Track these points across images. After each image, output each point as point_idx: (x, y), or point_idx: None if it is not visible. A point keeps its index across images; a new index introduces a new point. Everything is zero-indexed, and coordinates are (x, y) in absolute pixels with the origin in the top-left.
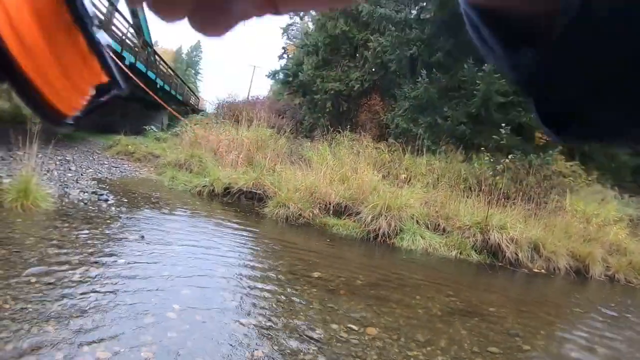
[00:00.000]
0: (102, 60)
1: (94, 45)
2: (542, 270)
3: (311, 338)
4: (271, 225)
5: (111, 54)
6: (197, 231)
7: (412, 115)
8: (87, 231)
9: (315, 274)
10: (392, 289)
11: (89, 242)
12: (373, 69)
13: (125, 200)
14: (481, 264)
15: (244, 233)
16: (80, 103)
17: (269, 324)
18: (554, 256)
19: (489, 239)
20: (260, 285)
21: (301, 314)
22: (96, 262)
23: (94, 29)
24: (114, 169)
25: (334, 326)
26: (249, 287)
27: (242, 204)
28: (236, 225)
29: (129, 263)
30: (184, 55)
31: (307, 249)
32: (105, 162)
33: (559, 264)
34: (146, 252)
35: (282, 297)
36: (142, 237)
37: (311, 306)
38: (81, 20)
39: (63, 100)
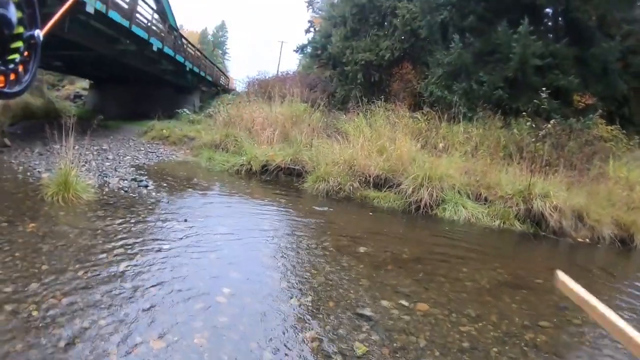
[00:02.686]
0: None
1: None
2: (587, 240)
3: (362, 316)
4: (312, 201)
5: None
6: (239, 211)
7: (446, 82)
8: (130, 219)
9: (361, 249)
10: (439, 263)
11: (132, 229)
12: (403, 37)
13: (165, 185)
14: (525, 234)
15: (286, 210)
16: None
17: (319, 303)
18: (597, 225)
19: (532, 207)
20: (307, 263)
21: (351, 291)
22: (142, 250)
23: None
24: (151, 154)
25: (385, 303)
26: (296, 265)
27: (281, 180)
28: (277, 203)
29: (174, 248)
30: (210, 37)
31: (350, 223)
32: (142, 148)
33: (603, 233)
34: (190, 235)
35: (331, 274)
36: (185, 220)
37: (360, 283)
38: None
39: None
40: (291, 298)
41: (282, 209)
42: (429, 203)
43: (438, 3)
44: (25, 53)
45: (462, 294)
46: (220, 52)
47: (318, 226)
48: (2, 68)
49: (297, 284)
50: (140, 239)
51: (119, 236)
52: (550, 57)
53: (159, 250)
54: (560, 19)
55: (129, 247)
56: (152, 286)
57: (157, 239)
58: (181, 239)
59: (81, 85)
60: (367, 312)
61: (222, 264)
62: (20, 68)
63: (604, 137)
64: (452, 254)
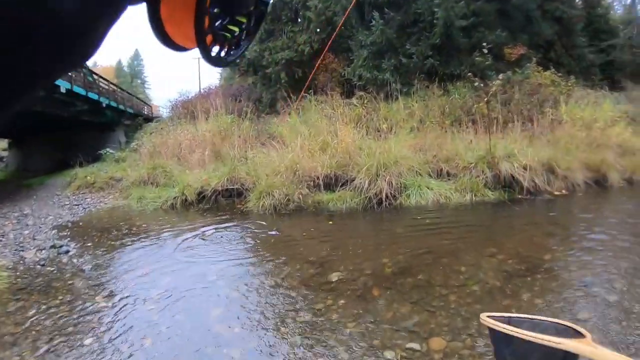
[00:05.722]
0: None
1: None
2: (563, 191)
3: None
4: (260, 221)
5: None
6: (177, 259)
7: (374, 62)
8: (44, 306)
9: (333, 276)
10: (430, 267)
11: (47, 322)
12: (318, 29)
13: (90, 244)
14: (500, 202)
15: (233, 241)
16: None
17: None
18: (570, 173)
19: (500, 172)
20: (272, 318)
21: (340, 348)
22: (55, 351)
23: None
24: (76, 207)
25: (389, 355)
26: (258, 325)
27: (221, 205)
28: (221, 235)
29: (98, 340)
30: (125, 68)
31: (310, 241)
32: (67, 202)
33: (577, 180)
34: (118, 314)
35: (307, 327)
36: (111, 293)
37: (347, 329)
38: None
39: (178, 32)
40: None
41: (227, 244)
42: (391, 193)
43: None
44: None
45: (475, 305)
46: (140, 81)
47: (274, 256)
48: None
49: (267, 346)
50: (56, 337)
51: (31, 336)
52: (474, 16)
53: (80, 346)
54: None
55: (44, 350)
56: None
57: (77, 332)
58: (106, 324)
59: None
60: None
61: (161, 349)
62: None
63: (544, 83)
64: (438, 250)
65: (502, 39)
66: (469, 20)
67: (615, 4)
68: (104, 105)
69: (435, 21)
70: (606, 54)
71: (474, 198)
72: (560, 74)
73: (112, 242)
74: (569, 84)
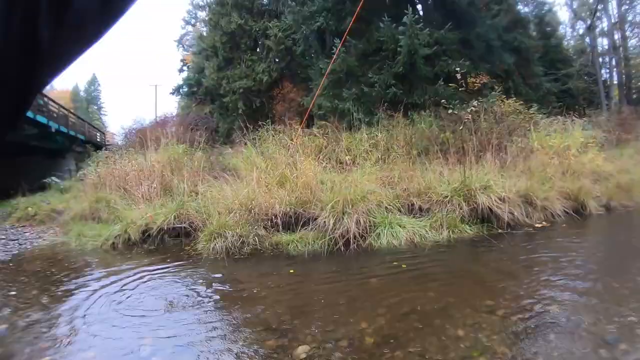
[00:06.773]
0: None
1: None
2: (544, 223)
3: None
4: (210, 268)
5: None
6: (107, 323)
7: (334, 91)
8: None
9: (300, 352)
10: (420, 334)
11: None
12: (276, 59)
13: (14, 292)
14: (480, 238)
15: (176, 296)
16: None
17: None
18: (548, 203)
19: (477, 204)
20: None
21: None
22: None
23: None
24: (12, 242)
25: None
26: None
27: (168, 245)
28: (164, 285)
29: None
30: (82, 93)
31: (268, 297)
32: (3, 236)
33: (556, 210)
34: None
35: None
36: None
37: None
38: None
39: None
40: None
41: (169, 299)
42: (359, 233)
43: (312, 11)
44: None
45: None
46: (96, 107)
47: (226, 318)
48: None
49: None
50: None
51: None
52: (437, 44)
53: None
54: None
55: None
56: None
57: None
58: None
59: None
60: None
61: None
62: None
63: (506, 112)
64: (426, 307)
65: (465, 68)
66: (432, 48)
67: (567, 34)
68: (53, 130)
69: (399, 49)
70: (561, 83)
71: (451, 235)
72: (520, 103)
73: (38, 292)
74: (531, 112)
